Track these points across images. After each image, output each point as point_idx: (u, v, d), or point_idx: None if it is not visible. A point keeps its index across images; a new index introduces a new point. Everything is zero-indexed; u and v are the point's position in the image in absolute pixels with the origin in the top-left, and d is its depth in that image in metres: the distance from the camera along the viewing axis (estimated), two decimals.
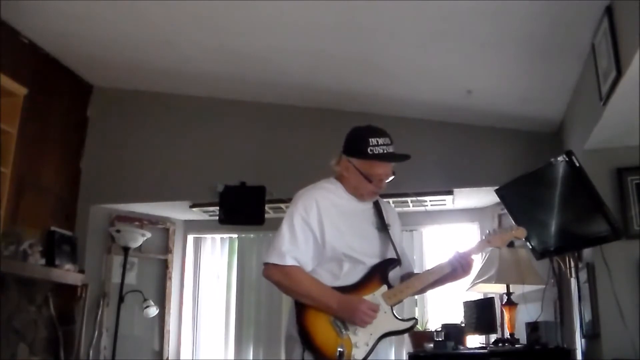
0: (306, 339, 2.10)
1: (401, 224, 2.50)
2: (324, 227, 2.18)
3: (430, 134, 4.37)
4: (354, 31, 3.45)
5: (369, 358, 2.10)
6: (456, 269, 2.19)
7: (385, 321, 2.14)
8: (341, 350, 2.02)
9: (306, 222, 2.18)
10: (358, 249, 2.20)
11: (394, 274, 2.25)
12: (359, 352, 2.08)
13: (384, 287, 2.18)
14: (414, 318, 2.22)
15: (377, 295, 2.16)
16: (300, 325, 2.12)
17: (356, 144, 2.23)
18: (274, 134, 4.79)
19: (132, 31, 3.90)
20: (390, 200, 4.05)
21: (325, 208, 2.21)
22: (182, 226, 5.39)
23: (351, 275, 2.19)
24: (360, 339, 2.10)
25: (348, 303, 2.10)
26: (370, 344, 2.10)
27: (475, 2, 2.86)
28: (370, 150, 2.18)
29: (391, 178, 2.26)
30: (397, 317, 2.16)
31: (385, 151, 2.19)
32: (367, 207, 2.33)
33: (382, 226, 2.31)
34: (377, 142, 2.18)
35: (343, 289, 2.15)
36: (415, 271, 2.46)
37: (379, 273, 2.20)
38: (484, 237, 2.31)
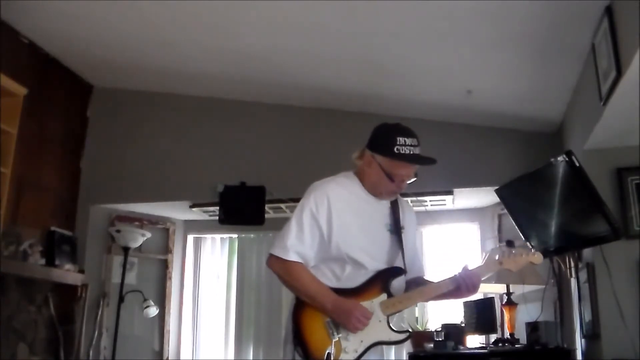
0: (298, 337, 2.09)
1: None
2: (332, 224, 2.15)
3: (430, 134, 4.34)
4: (354, 31, 3.45)
5: None
6: (460, 288, 2.14)
7: (378, 330, 2.11)
8: (329, 352, 2.01)
9: (315, 217, 2.15)
10: (364, 251, 2.17)
11: (397, 283, 2.21)
12: (347, 357, 2.06)
13: (384, 296, 2.14)
14: (408, 331, 2.18)
15: (375, 303, 2.12)
16: (294, 322, 2.12)
17: (383, 140, 2.17)
18: (274, 133, 4.79)
19: (132, 31, 3.90)
20: None
21: (337, 205, 2.17)
22: (182, 226, 5.39)
23: (353, 278, 2.16)
24: (350, 345, 2.08)
25: (342, 306, 2.08)
26: (360, 351, 2.08)
27: (475, 2, 2.86)
28: (397, 149, 2.12)
29: (413, 180, 2.22)
30: (391, 328, 2.13)
31: (411, 152, 2.14)
32: (383, 207, 2.28)
33: (396, 228, 2.26)
34: (405, 142, 2.13)
35: (342, 292, 2.13)
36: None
37: (381, 280, 2.16)
38: (496, 258, 2.22)
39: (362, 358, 2.08)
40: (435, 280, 2.22)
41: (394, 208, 2.29)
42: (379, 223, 2.25)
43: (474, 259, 4.55)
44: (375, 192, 2.24)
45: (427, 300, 2.28)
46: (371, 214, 2.24)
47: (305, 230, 2.14)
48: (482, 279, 2.18)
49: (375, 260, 2.18)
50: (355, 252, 2.16)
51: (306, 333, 2.10)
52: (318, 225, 2.15)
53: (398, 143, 2.13)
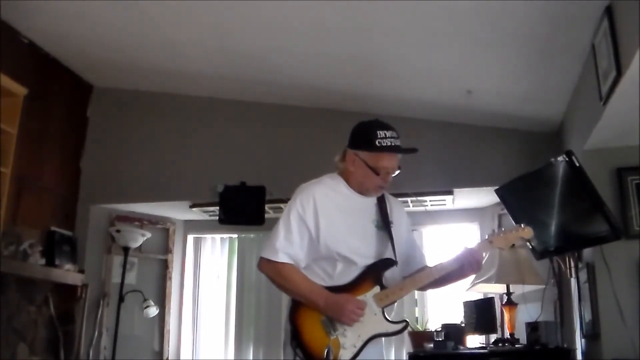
0: (296, 337, 2.11)
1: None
2: (319, 224, 2.18)
3: (430, 134, 4.37)
4: (354, 31, 3.45)
5: (356, 359, 2.09)
6: (464, 266, 2.16)
7: (374, 323, 2.13)
8: (328, 350, 2.03)
9: (302, 218, 2.18)
10: (353, 248, 2.19)
11: (391, 275, 2.23)
12: (346, 353, 2.08)
13: (377, 289, 2.16)
14: (405, 321, 2.18)
15: (368, 296, 2.15)
16: (292, 323, 2.14)
17: (364, 136, 2.21)
18: (274, 134, 4.79)
19: (132, 31, 3.90)
20: None
21: (323, 205, 2.20)
22: (182, 226, 5.39)
23: (344, 275, 2.18)
24: (348, 340, 2.09)
25: (335, 301, 2.10)
26: (358, 346, 2.10)
27: (475, 2, 2.87)
28: (379, 142, 2.17)
29: (397, 172, 2.25)
30: (387, 320, 2.15)
31: (393, 144, 2.18)
32: (369, 204, 2.30)
33: (384, 224, 2.28)
34: (385, 134, 2.18)
35: (335, 289, 2.15)
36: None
37: (372, 274, 2.19)
38: (486, 237, 2.26)
39: (361, 354, 2.09)
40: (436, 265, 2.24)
41: (381, 204, 2.32)
42: (365, 220, 2.27)
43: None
44: (361, 189, 2.27)
45: (423, 287, 2.29)
46: (357, 211, 2.27)
47: (294, 231, 2.17)
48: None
49: (364, 256, 2.21)
50: (344, 250, 2.18)
51: (304, 333, 2.11)
52: (306, 226, 2.18)
53: (379, 137, 2.18)
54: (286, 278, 2.17)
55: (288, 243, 2.16)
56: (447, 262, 2.19)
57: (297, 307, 2.16)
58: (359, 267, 2.19)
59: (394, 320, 2.17)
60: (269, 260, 2.17)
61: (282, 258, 2.15)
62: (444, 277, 2.20)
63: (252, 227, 4.85)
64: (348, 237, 2.20)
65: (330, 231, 2.18)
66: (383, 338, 2.19)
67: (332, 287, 2.15)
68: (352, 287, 2.16)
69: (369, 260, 2.21)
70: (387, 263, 2.22)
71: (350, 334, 2.10)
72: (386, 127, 2.22)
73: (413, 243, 2.46)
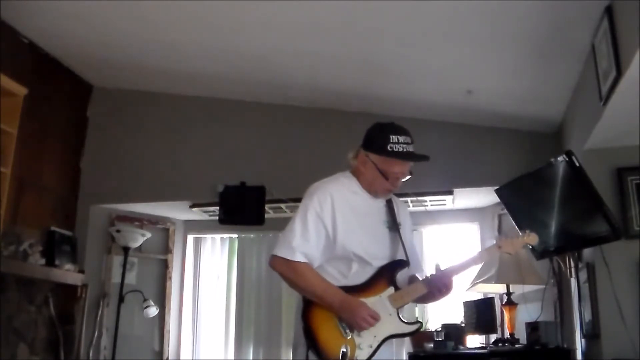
0: (310, 337, 2.10)
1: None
2: (336, 223, 2.17)
3: (430, 134, 4.35)
4: (354, 31, 3.44)
5: None
6: (432, 291, 2.16)
7: (390, 324, 2.13)
8: (344, 350, 2.02)
9: (320, 217, 2.17)
10: (368, 249, 2.19)
11: (402, 276, 2.23)
12: (362, 354, 2.08)
13: (391, 289, 2.17)
14: (419, 322, 2.21)
15: (383, 297, 2.15)
16: (305, 323, 2.13)
17: (376, 139, 2.21)
18: (274, 134, 4.79)
19: (133, 31, 3.90)
20: None
21: (340, 204, 2.20)
22: (182, 226, 5.39)
23: (359, 275, 2.18)
24: (364, 341, 2.09)
25: (349, 305, 2.09)
26: (374, 346, 2.10)
27: (475, 2, 2.86)
28: (390, 147, 2.16)
29: (407, 177, 2.25)
30: (402, 320, 2.15)
31: (405, 150, 2.17)
32: (380, 205, 2.31)
33: (393, 225, 2.29)
34: (398, 139, 2.17)
35: (350, 289, 2.14)
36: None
37: (386, 274, 2.19)
38: (495, 242, 2.28)
39: (376, 354, 2.09)
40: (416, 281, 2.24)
41: (389, 206, 2.33)
42: (377, 220, 2.28)
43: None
44: (371, 190, 2.27)
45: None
46: (370, 212, 2.28)
47: (311, 230, 2.15)
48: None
49: (379, 257, 2.21)
50: (360, 250, 2.18)
51: (318, 333, 2.10)
52: (323, 225, 2.17)
53: (391, 141, 2.17)
54: (300, 276, 2.14)
55: (305, 241, 2.14)
56: (418, 284, 2.19)
57: (309, 306, 2.14)
58: (373, 268, 2.19)
59: (407, 320, 2.18)
60: (283, 259, 2.15)
61: (299, 257, 2.13)
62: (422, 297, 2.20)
63: (252, 227, 4.86)
64: (363, 238, 2.20)
65: (347, 231, 2.18)
66: (394, 339, 2.19)
67: (347, 286, 2.15)
68: (367, 287, 2.16)
69: (383, 261, 2.21)
70: (401, 264, 2.23)
71: (366, 334, 2.10)
72: (401, 131, 2.20)
73: (414, 249, 2.46)
